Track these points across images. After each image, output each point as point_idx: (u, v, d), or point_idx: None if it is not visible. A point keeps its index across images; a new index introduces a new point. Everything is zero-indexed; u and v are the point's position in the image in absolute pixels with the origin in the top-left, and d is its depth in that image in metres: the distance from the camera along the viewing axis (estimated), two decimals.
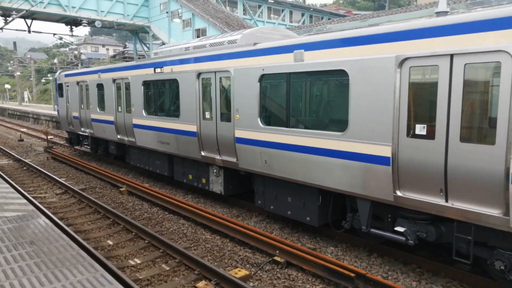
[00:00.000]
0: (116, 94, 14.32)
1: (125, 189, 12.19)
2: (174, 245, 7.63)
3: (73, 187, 12.50)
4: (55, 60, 48.18)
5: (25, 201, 8.68)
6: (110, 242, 8.32)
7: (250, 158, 8.83)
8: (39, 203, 11.10)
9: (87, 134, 17.28)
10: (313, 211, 7.97)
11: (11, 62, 64.32)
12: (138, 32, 23.92)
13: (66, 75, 18.63)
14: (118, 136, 14.56)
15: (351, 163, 6.72)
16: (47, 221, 7.10)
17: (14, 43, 57.53)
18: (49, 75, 56.27)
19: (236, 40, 9.52)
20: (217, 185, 10.52)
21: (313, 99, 7.57)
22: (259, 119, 8.47)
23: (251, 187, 10.69)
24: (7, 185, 10.21)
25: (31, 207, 8.05)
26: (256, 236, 7.74)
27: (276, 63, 7.95)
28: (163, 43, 23.49)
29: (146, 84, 12.52)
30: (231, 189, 10.45)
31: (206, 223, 9.05)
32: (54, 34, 24.08)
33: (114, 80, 14.28)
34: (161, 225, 9.34)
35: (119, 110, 14.24)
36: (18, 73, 61.20)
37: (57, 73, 19.95)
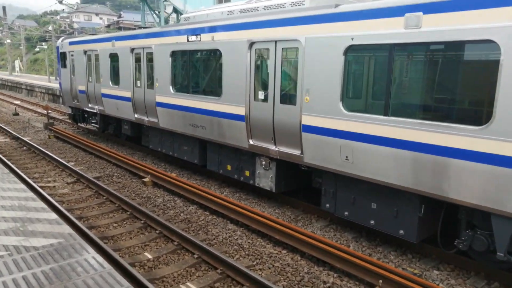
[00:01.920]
0: (135, 66, 12.27)
1: (150, 179, 10.36)
2: (236, 264, 5.90)
3: (86, 175, 10.64)
4: (50, 27, 45.04)
5: (31, 194, 6.82)
6: (149, 256, 6.55)
7: (323, 152, 7.03)
8: (49, 194, 9.26)
9: (95, 111, 15.26)
10: (410, 224, 6.26)
11: (0, 29, 60.67)
12: None
13: (71, 43, 16.40)
14: (136, 115, 12.60)
15: (495, 170, 4.96)
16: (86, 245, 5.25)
17: (4, 8, 53.78)
18: (43, 43, 53.04)
19: (303, 1, 7.54)
20: (265, 180, 8.75)
21: (431, 79, 5.71)
22: (341, 104, 6.62)
23: (306, 184, 8.98)
24: (7, 171, 8.32)
25: (41, 204, 6.22)
26: (343, 257, 6.03)
27: (372, 31, 6.04)
28: (177, 12, 21.17)
29: (176, 55, 10.50)
30: (284, 185, 8.70)
31: (264, 231, 7.31)
32: None
33: (132, 50, 12.20)
34: (206, 230, 7.58)
35: (138, 85, 12.23)
36: (8, 41, 57.73)
37: (59, 40, 17.68)
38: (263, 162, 8.69)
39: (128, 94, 12.69)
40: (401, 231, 6.38)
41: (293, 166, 8.31)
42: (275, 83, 7.79)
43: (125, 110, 13.09)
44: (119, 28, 71.69)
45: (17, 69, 57.08)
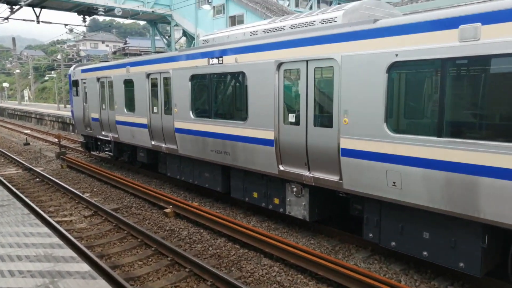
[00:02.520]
0: (151, 91, 11.91)
1: (172, 210, 9.80)
2: None
3: (103, 207, 10.11)
4: (58, 56, 45.51)
5: (57, 240, 6.28)
6: None
7: (366, 177, 6.47)
8: (66, 230, 8.73)
9: (109, 138, 14.86)
10: (472, 255, 5.62)
11: (10, 59, 61.55)
12: (157, 23, 21.48)
13: (83, 71, 16.18)
14: (153, 142, 12.15)
15: None
16: None
17: (13, 39, 54.68)
18: (52, 72, 53.52)
19: (335, 18, 7.14)
20: (297, 208, 8.16)
21: (493, 95, 5.18)
22: (385, 125, 6.10)
23: (342, 211, 8.40)
24: (27, 211, 7.78)
25: (69, 252, 5.65)
26: None
27: (420, 46, 5.57)
28: (187, 35, 21.00)
29: (195, 78, 10.11)
30: (317, 213, 8.11)
31: (304, 266, 6.68)
32: (66, 25, 21.55)
33: (148, 75, 11.86)
34: (239, 267, 6.96)
35: (155, 111, 11.83)
36: (18, 71, 58.43)
37: (71, 68, 17.50)
38: (294, 189, 8.13)
39: (144, 120, 12.29)
40: (461, 264, 5.74)
41: (328, 193, 7.74)
42: (307, 105, 7.31)
43: (141, 137, 12.67)
44: (125, 54, 72.60)
45: (26, 98, 57.55)
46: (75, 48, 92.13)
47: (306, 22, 7.71)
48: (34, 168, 15.45)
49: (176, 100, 10.75)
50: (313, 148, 7.29)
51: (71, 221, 9.70)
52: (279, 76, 7.78)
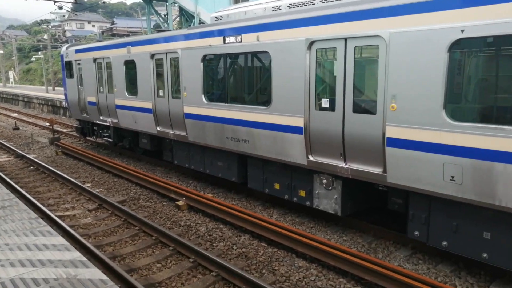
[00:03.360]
0: (156, 73, 10.96)
1: (185, 203, 9.03)
2: None
3: (108, 199, 9.30)
4: (45, 36, 43.50)
5: (78, 254, 5.45)
6: None
7: (417, 170, 5.77)
8: (71, 226, 7.93)
9: (108, 123, 13.91)
10: None
11: None
12: (152, 0, 20.22)
13: (78, 51, 15.04)
14: (158, 128, 11.28)
15: None
16: None
17: None
18: (39, 53, 51.38)
19: None
20: (327, 201, 7.47)
21: None
22: (443, 112, 5.36)
23: (375, 204, 7.75)
24: (35, 214, 6.83)
25: (97, 273, 4.77)
26: None
27: (495, 19, 4.79)
28: (185, 14, 19.78)
29: (209, 59, 9.21)
30: (350, 207, 7.43)
31: (344, 268, 6.02)
32: (55, 2, 20.13)
33: (152, 55, 10.89)
34: (271, 269, 6.27)
35: (161, 94, 10.92)
36: (1, 51, 56.04)
37: (64, 48, 16.32)
38: (324, 181, 7.42)
39: (148, 105, 11.37)
40: None
41: (364, 185, 7.05)
42: (345, 88, 6.52)
43: (144, 122, 11.77)
44: (113, 35, 70.39)
45: (11, 80, 55.42)
46: (60, 29, 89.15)
47: None
48: (27, 155, 14.48)
49: (185, 83, 9.85)
50: (351, 137, 6.54)
51: (74, 215, 8.87)
52: (311, 56, 6.95)
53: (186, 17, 20.93)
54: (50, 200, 9.91)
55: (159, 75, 10.92)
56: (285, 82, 7.41)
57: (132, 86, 12.20)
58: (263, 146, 8.13)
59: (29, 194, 10.06)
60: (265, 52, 7.74)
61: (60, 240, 5.24)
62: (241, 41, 8.21)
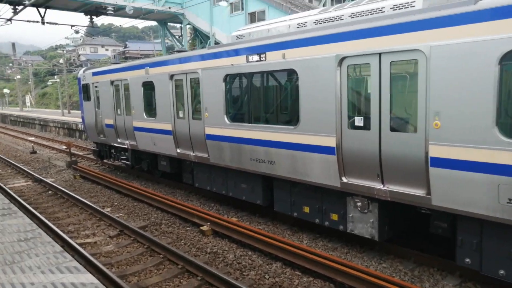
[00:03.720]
0: (175, 94, 10.77)
1: (209, 228, 8.65)
2: None
3: (129, 225, 8.98)
4: (61, 60, 44.32)
5: (94, 279, 5.11)
6: None
7: (466, 192, 5.33)
8: (92, 255, 7.60)
9: (125, 146, 13.72)
10: None
11: (10, 65, 60.45)
12: (167, 22, 20.35)
13: (95, 73, 15.03)
14: (178, 150, 11.01)
15: None
16: None
17: (13, 44, 53.56)
18: (55, 77, 52.40)
19: (413, 2, 6.00)
20: (363, 226, 7.02)
21: None
22: (496, 129, 4.96)
23: (414, 227, 7.28)
24: (60, 248, 6.48)
25: (90, 278, 4.47)
26: None
27: None
28: (199, 35, 19.78)
29: (231, 79, 8.98)
30: (387, 231, 6.97)
31: None
32: (72, 26, 20.36)
33: (171, 76, 10.72)
34: None
35: (180, 116, 10.69)
36: (18, 76, 57.27)
37: (81, 71, 16.36)
38: (359, 204, 6.99)
39: (167, 126, 11.14)
40: None
41: (404, 208, 6.61)
42: (380, 106, 6.16)
43: (164, 144, 11.52)
44: (126, 58, 71.68)
45: (28, 104, 56.41)
46: (74, 53, 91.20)
47: (371, 10, 6.57)
48: (45, 179, 14.33)
49: (207, 103, 9.61)
50: (389, 157, 6.14)
51: (95, 242, 8.56)
52: (341, 73, 6.64)
53: (201, 37, 20.95)
54: (70, 227, 9.63)
55: (179, 96, 10.72)
56: (314, 100, 7.10)
57: (150, 107, 12.03)
58: (291, 167, 7.76)
59: (49, 220, 9.80)
60: (292, 70, 7.45)
61: (90, 278, 4.86)
62: (265, 60, 7.95)
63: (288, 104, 7.92)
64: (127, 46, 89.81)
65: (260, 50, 8.04)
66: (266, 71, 8.02)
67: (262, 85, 8.40)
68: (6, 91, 64.65)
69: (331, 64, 6.72)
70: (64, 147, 22.47)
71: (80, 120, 29.63)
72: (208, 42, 18.81)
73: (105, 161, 16.92)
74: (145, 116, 12.16)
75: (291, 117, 7.78)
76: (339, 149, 6.82)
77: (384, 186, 6.36)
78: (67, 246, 8.05)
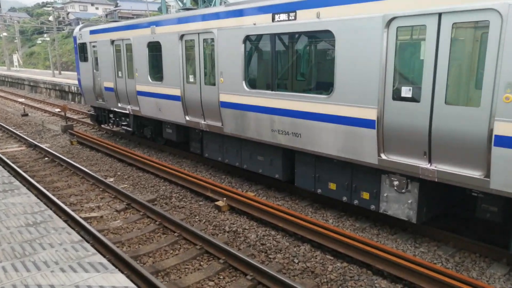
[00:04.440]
0: (186, 56, 9.84)
1: (226, 203, 8.02)
2: None
3: (137, 198, 8.31)
4: (51, 18, 42.03)
5: (101, 258, 4.45)
6: None
7: None
8: (99, 231, 6.96)
9: (127, 111, 12.84)
10: None
11: None
12: None
13: (93, 32, 13.87)
14: (187, 118, 10.20)
15: None
16: None
17: None
18: (45, 35, 49.90)
19: None
20: (399, 206, 6.44)
21: None
22: None
23: (450, 209, 6.73)
24: (63, 223, 5.77)
25: (121, 279, 3.77)
26: None
27: None
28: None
29: (252, 40, 8.09)
30: (426, 213, 6.40)
31: None
32: None
33: (181, 37, 9.74)
34: None
35: (191, 80, 9.81)
36: (5, 34, 54.60)
37: (77, 29, 15.13)
38: (396, 182, 6.37)
39: (176, 92, 10.27)
40: None
41: (447, 189, 6.01)
42: (435, 75, 5.39)
43: (171, 111, 10.69)
44: (117, 19, 68.76)
45: (15, 63, 54.17)
46: (63, 11, 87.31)
47: None
48: (40, 145, 13.49)
49: (222, 67, 8.73)
50: (441, 134, 5.46)
51: (101, 217, 7.90)
52: (389, 36, 5.81)
53: None
54: (71, 198, 8.93)
55: (190, 59, 9.80)
56: (352, 66, 6.30)
57: (156, 70, 11.09)
58: (321, 141, 7.06)
59: (48, 190, 9.08)
60: (327, 31, 6.59)
61: (121, 279, 4.05)
62: (295, 19, 7.05)
63: (320, 70, 7.12)
64: (118, 5, 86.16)
65: (290, 8, 7.11)
66: (296, 32, 7.14)
67: (289, 48, 7.54)
68: None
69: (377, 25, 5.88)
70: (58, 110, 21.43)
71: (73, 82, 28.35)
72: (213, 1, 17.57)
73: (103, 126, 16.03)
74: (150, 80, 11.23)
75: (323, 85, 7.00)
76: (380, 123, 6.10)
77: (431, 165, 5.71)
78: (71, 220, 7.39)
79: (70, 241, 4.85)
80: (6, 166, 11.06)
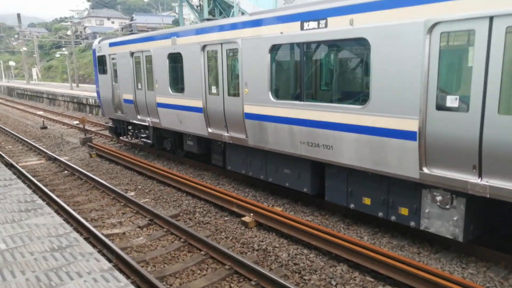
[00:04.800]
0: (208, 67, 9.60)
1: (253, 219, 7.66)
2: None
3: (159, 213, 8.01)
4: (68, 32, 42.75)
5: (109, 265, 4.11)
6: None
7: None
8: (122, 249, 6.66)
9: (147, 123, 12.65)
10: None
11: (15, 37, 58.89)
12: None
13: (112, 44, 13.82)
14: (210, 130, 9.93)
15: None
16: None
17: (18, 15, 51.79)
18: (63, 49, 50.87)
19: None
20: (442, 223, 5.98)
21: None
22: None
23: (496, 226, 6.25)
24: (54, 214, 5.49)
25: None
26: None
27: None
28: (218, 4, 18.23)
29: (279, 49, 7.80)
30: (473, 230, 5.93)
31: None
32: None
33: (203, 47, 9.52)
34: None
35: (213, 91, 9.55)
36: (24, 48, 55.76)
37: (96, 42, 15.13)
38: (439, 198, 5.93)
39: (197, 103, 10.02)
40: None
41: (497, 205, 5.55)
42: (486, 83, 4.99)
43: (192, 123, 10.44)
44: (131, 31, 69.75)
45: (34, 77, 55.16)
46: (80, 26, 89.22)
47: None
48: (59, 158, 13.38)
49: (247, 77, 8.45)
50: (494, 146, 5.03)
51: (123, 233, 7.61)
52: (431, 42, 5.44)
53: (220, 8, 19.53)
54: (92, 213, 8.69)
55: (212, 69, 9.56)
56: (390, 75, 5.93)
57: (177, 82, 10.89)
58: (355, 153, 6.67)
59: (68, 205, 8.87)
60: (361, 39, 6.25)
61: None
62: (325, 27, 6.74)
63: (353, 79, 6.78)
64: (134, 19, 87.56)
65: (320, 15, 6.81)
66: (327, 40, 6.82)
67: (319, 57, 7.22)
68: (11, 63, 63.22)
69: (418, 31, 5.52)
70: (77, 122, 21.49)
71: (90, 94, 28.55)
72: (232, 12, 17.45)
73: (121, 138, 15.89)
74: (171, 92, 11.03)
75: (357, 95, 6.64)
76: (422, 134, 5.70)
77: (482, 179, 5.27)
78: (92, 237, 7.12)
79: (100, 269, 4.50)
80: (27, 180, 10.93)
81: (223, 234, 7.41)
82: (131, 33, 15.67)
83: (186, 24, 32.92)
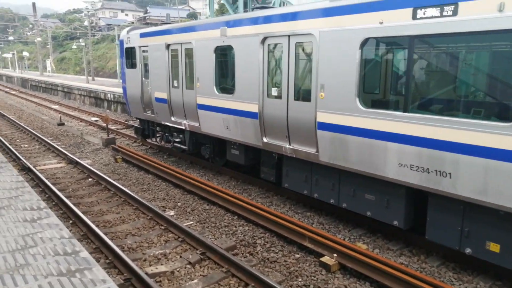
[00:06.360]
0: (268, 64, 7.97)
1: (336, 262, 6.02)
2: None
3: (213, 246, 6.42)
4: (86, 22, 41.41)
5: None
6: None
7: None
8: None
9: (183, 127, 11.07)
10: None
11: (30, 26, 57.78)
12: None
13: (143, 35, 12.24)
14: (265, 140, 8.29)
15: None
16: None
17: (33, 4, 50.44)
18: (80, 40, 49.47)
19: None
20: None
21: None
22: None
23: None
24: (109, 279, 3.87)
25: None
26: None
27: None
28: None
29: (374, 44, 6.14)
30: None
31: None
32: None
33: (263, 40, 7.88)
34: None
35: (274, 94, 7.91)
36: (39, 39, 54.56)
37: (124, 32, 13.57)
38: None
39: (251, 107, 8.40)
40: None
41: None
42: None
43: (243, 130, 8.82)
44: (146, 24, 68.29)
45: (48, 69, 54.03)
46: (94, 17, 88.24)
47: None
48: (81, 161, 11.89)
49: (324, 78, 6.79)
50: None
51: (172, 273, 6.02)
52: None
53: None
54: (128, 239, 7.14)
55: (274, 67, 7.93)
56: None
57: (225, 81, 9.29)
58: (487, 185, 5.00)
59: (98, 226, 7.35)
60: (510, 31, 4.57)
61: None
62: (455, 14, 5.05)
63: (494, 86, 5.08)
64: (148, 11, 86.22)
65: (443, 0, 5.12)
66: (456, 32, 5.12)
67: (440, 55, 5.53)
68: (25, 54, 62.20)
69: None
70: (95, 119, 20.05)
71: (108, 89, 27.10)
72: (273, 2, 15.79)
73: (148, 140, 14.36)
74: (217, 92, 9.42)
75: (498, 108, 4.96)
76: None
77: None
78: (135, 278, 5.57)
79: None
80: (47, 189, 9.44)
81: (300, 280, 5.79)
82: (166, 22, 14.03)
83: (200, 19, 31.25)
